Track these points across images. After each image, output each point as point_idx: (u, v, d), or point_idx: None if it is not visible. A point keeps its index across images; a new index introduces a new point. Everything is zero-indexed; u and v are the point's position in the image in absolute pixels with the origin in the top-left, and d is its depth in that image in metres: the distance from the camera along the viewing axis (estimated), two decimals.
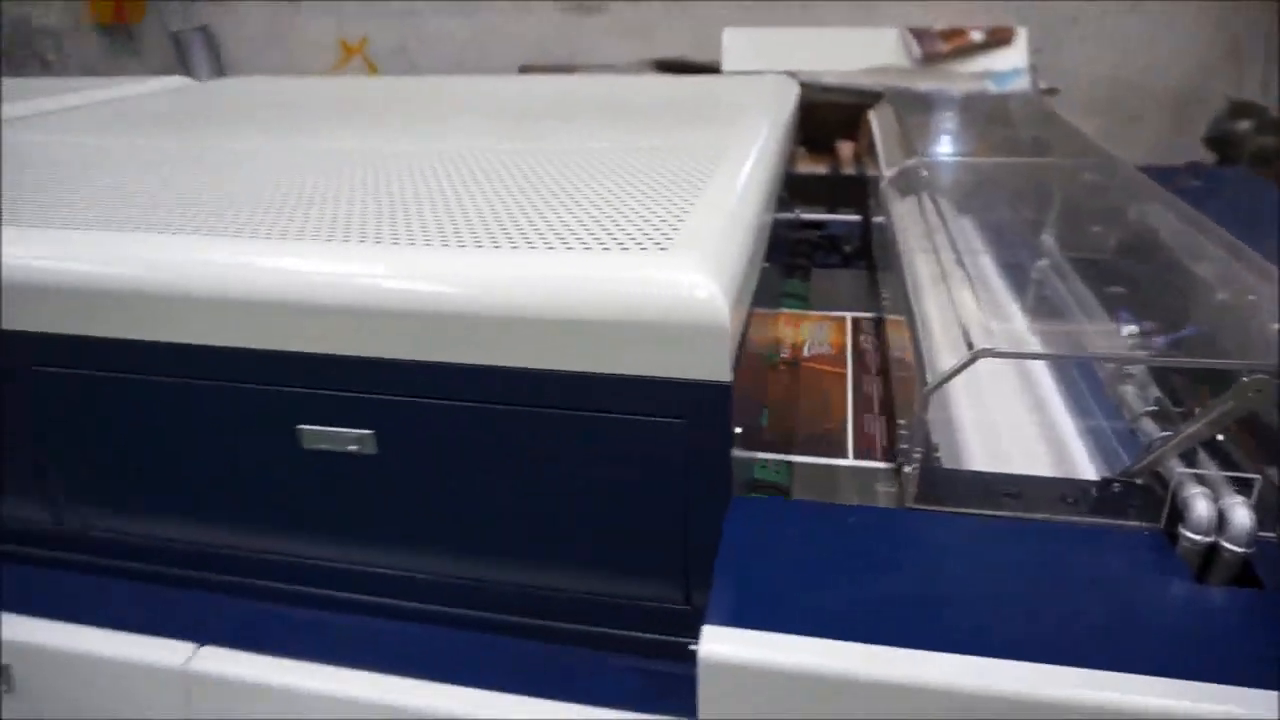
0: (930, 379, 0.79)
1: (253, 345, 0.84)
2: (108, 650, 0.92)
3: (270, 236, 0.87)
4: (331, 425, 0.85)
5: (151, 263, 0.86)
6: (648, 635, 0.86)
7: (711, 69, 3.99)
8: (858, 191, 2.12)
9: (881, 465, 1.02)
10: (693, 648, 0.70)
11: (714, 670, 0.62)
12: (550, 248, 0.80)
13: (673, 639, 0.85)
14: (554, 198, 0.95)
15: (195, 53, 4.63)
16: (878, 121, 1.93)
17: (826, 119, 2.97)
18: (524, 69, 4.28)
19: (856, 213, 2.12)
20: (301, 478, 0.88)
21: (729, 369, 0.73)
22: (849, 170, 2.76)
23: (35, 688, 0.96)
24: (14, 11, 4.37)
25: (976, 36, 3.97)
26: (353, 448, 0.85)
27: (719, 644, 0.62)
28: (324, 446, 0.86)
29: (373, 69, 4.64)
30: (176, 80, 2.27)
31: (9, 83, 2.20)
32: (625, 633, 0.87)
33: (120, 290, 0.86)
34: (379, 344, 0.81)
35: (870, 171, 1.94)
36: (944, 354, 0.95)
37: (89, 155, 1.30)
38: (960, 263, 1.06)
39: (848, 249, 1.91)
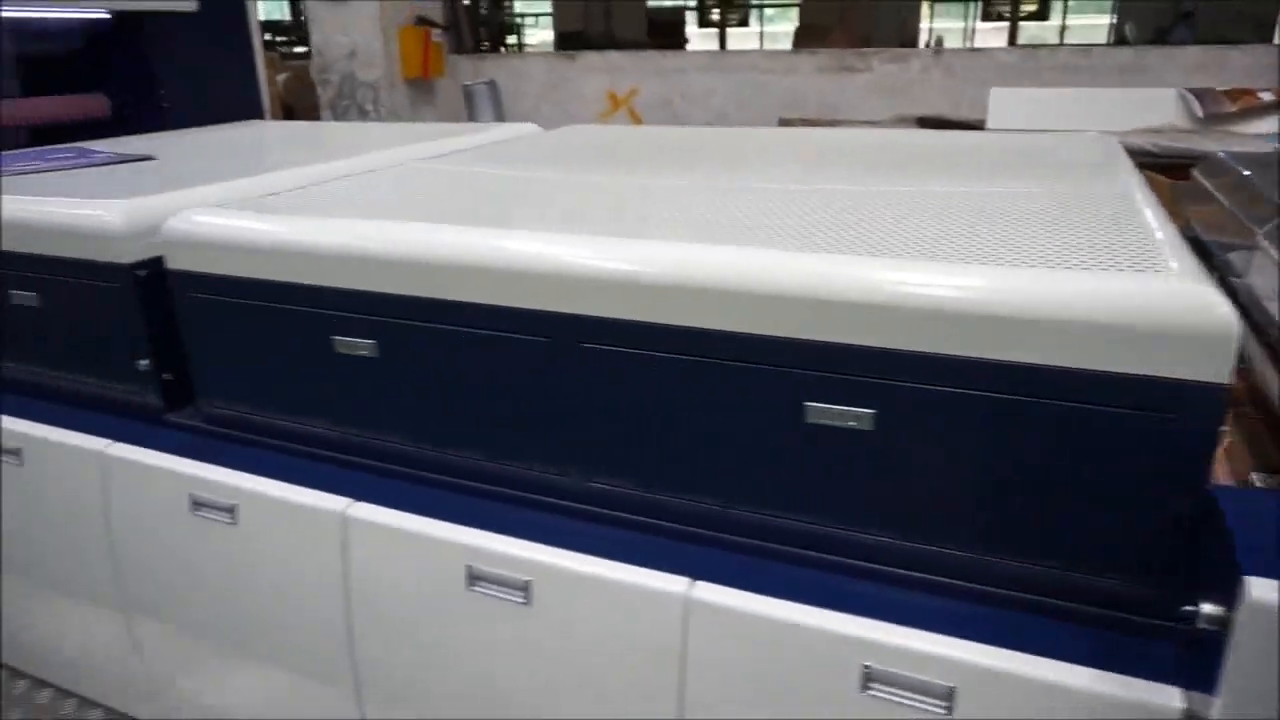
0: None
1: (768, 332, 1.03)
2: (615, 575, 1.13)
3: (787, 248, 1.07)
4: (835, 404, 1.02)
5: (679, 262, 1.08)
6: (1107, 611, 0.97)
7: (972, 126, 4.08)
8: None
9: None
10: (1189, 609, 0.82)
11: (1259, 613, 0.73)
12: (1052, 267, 0.95)
13: (1126, 616, 0.96)
14: (1017, 227, 1.11)
15: (481, 103, 5.19)
16: (1212, 181, 1.97)
17: None
18: (783, 122, 4.53)
19: None
20: (801, 449, 1.05)
21: (1231, 372, 0.85)
22: None
23: (548, 602, 1.18)
24: (345, 67, 5.10)
25: (1266, 97, 3.83)
26: (852, 424, 1.02)
27: (1267, 592, 0.73)
28: (826, 422, 1.03)
29: (637, 119, 5.04)
30: (528, 127, 2.62)
31: (402, 127, 2.62)
32: (1083, 607, 0.98)
33: (654, 283, 1.08)
34: (889, 336, 0.97)
35: (1208, 231, 1.97)
36: None
37: (532, 185, 1.59)
38: None
39: None
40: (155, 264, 1.50)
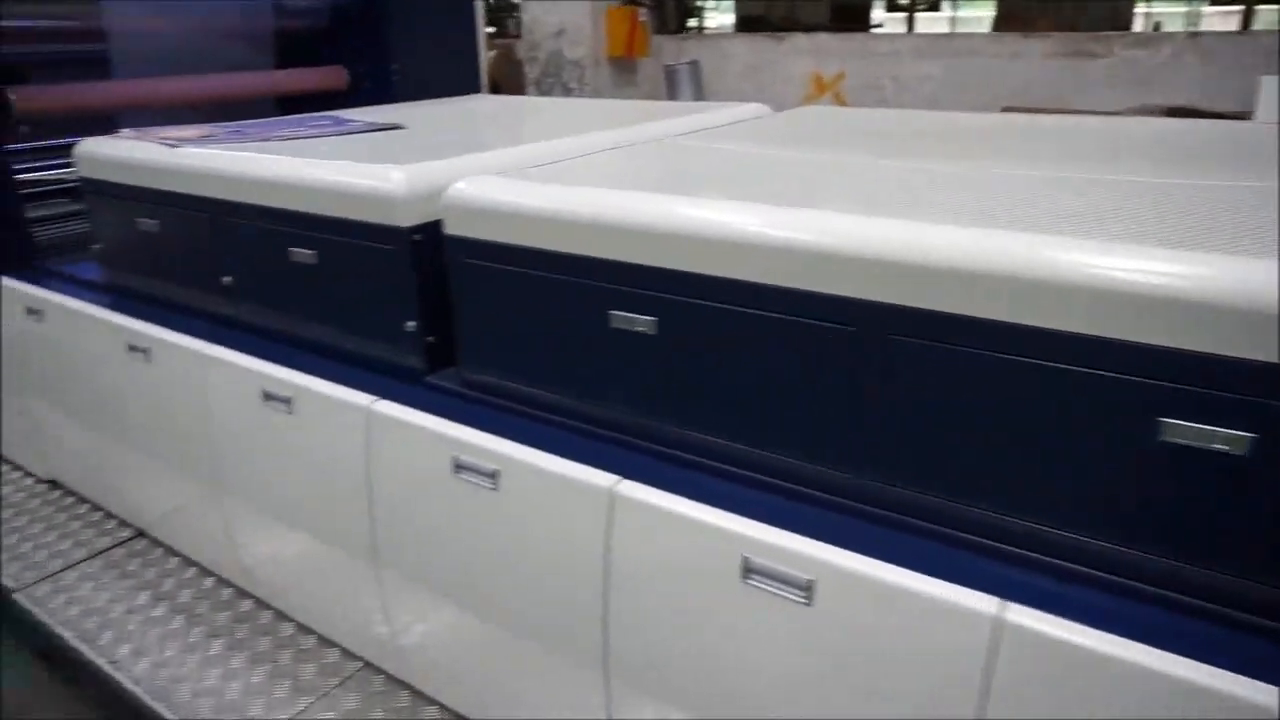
0: None
1: (1122, 337, 0.92)
2: (915, 585, 1.05)
3: (1142, 243, 0.96)
4: (1202, 423, 0.90)
5: (1015, 254, 0.98)
6: None
7: (1229, 117, 3.68)
8: None
9: None
10: None
11: None
12: None
13: None
14: None
15: (682, 83, 5.17)
16: None
17: None
18: (1007, 109, 4.25)
19: None
20: (1148, 471, 0.94)
21: None
22: None
23: (833, 605, 1.12)
24: (552, 46, 5.21)
25: None
26: (1221, 447, 0.90)
27: None
28: (1185, 442, 0.91)
29: (842, 103, 4.87)
30: (756, 107, 2.54)
31: (632, 104, 2.62)
32: None
33: (985, 275, 0.99)
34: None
35: None
36: None
37: (799, 165, 1.52)
38: None
39: None
40: (429, 229, 1.53)
